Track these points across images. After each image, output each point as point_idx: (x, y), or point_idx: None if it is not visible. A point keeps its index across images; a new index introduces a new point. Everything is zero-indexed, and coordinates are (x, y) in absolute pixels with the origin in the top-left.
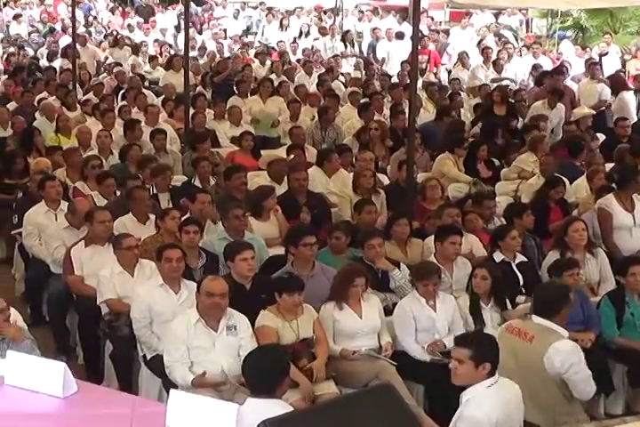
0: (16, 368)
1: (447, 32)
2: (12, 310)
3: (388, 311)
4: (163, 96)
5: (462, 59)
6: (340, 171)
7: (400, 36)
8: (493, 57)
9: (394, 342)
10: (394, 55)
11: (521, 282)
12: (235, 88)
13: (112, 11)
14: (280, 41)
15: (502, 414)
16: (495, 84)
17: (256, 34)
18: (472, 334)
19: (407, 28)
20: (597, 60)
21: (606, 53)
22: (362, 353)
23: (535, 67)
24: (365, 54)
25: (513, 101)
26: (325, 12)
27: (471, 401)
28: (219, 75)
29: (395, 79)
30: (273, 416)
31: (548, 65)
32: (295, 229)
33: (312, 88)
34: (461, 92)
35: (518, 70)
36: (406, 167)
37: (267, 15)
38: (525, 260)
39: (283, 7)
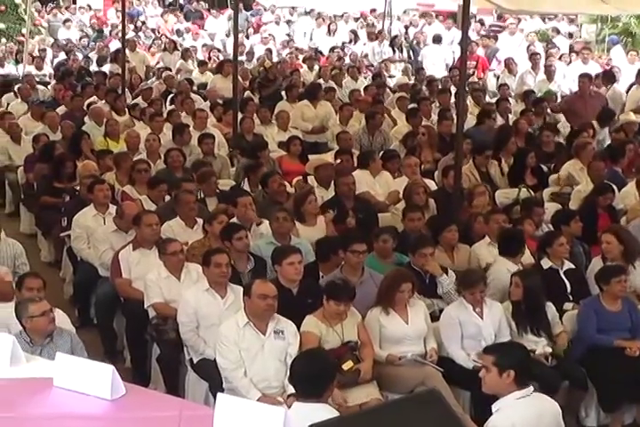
0: (65, 370)
1: (497, 38)
2: (61, 313)
3: (435, 317)
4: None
5: (509, 64)
6: (383, 172)
7: (437, 39)
8: (542, 63)
9: (439, 349)
10: (431, 59)
11: (568, 289)
12: (283, 93)
13: (161, 15)
14: (335, 47)
15: None
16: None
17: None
18: (501, 342)
19: (457, 34)
20: None
21: None
22: (408, 359)
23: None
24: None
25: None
26: (374, 17)
27: (500, 412)
28: (268, 80)
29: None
30: (319, 421)
31: (597, 71)
32: (345, 234)
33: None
34: (510, 98)
35: (567, 76)
36: (454, 173)
37: (316, 19)
38: (573, 267)
39: (331, 12)
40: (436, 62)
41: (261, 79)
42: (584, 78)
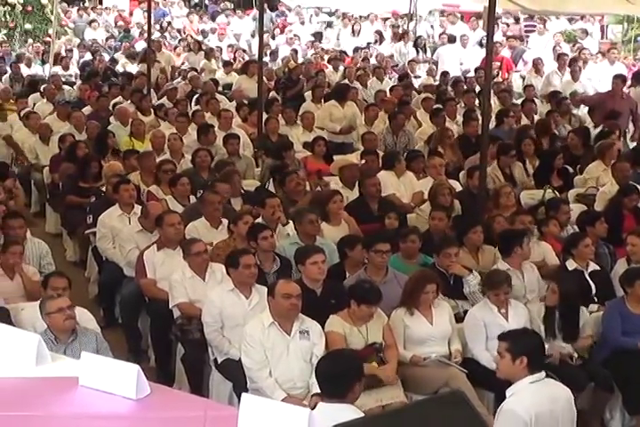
0: (90, 369)
1: (522, 38)
2: (86, 313)
3: (459, 318)
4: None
5: (537, 65)
6: (407, 173)
7: (452, 39)
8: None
9: (463, 350)
10: (444, 58)
11: (593, 291)
12: (306, 94)
13: (187, 16)
14: (359, 47)
15: (543, 411)
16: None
17: (323, 38)
18: (515, 329)
19: (482, 35)
20: None
21: None
22: (432, 360)
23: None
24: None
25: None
26: (400, 18)
27: (514, 396)
28: (292, 80)
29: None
30: (343, 422)
31: (623, 72)
32: (369, 234)
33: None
34: (535, 99)
35: (593, 77)
36: (479, 174)
37: (342, 20)
38: (598, 268)
39: (356, 13)
40: (450, 61)
41: (285, 80)
42: (617, 79)
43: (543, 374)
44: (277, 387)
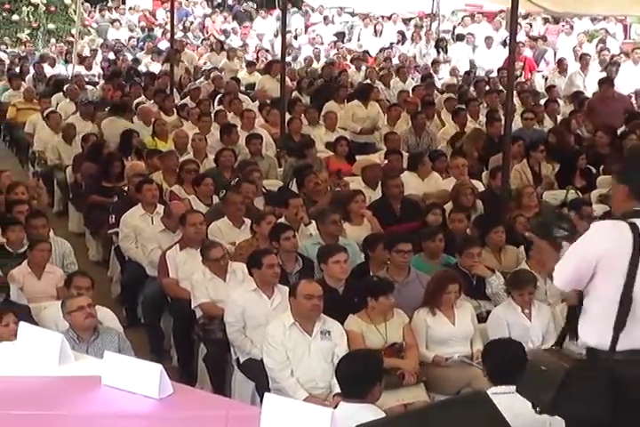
0: (113, 369)
1: (545, 38)
2: (108, 312)
3: (482, 319)
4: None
5: (562, 64)
6: (432, 174)
7: (461, 37)
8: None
9: None
10: (455, 57)
11: None
12: (330, 94)
13: (210, 16)
14: (384, 47)
15: None
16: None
17: (350, 40)
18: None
19: (506, 35)
20: None
21: None
22: (455, 360)
23: None
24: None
25: None
26: (422, 18)
27: None
28: (318, 80)
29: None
30: (365, 422)
31: None
32: (391, 234)
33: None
34: (559, 100)
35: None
36: (501, 174)
37: (363, 20)
38: None
39: (379, 13)
40: (460, 59)
41: (308, 80)
42: (604, 84)
43: (511, 388)
44: (299, 387)
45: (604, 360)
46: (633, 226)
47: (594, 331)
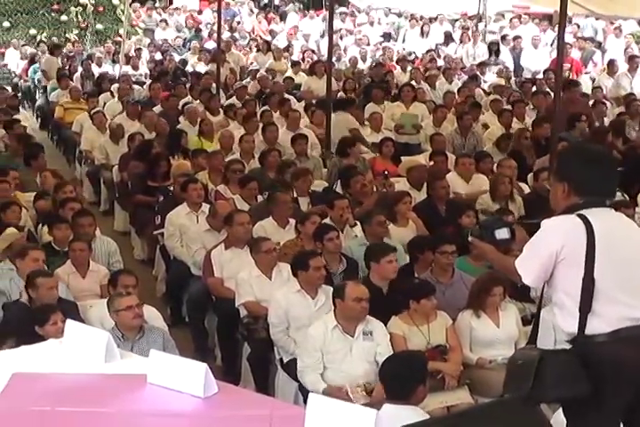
0: (158, 367)
1: (593, 40)
2: (153, 311)
3: (526, 321)
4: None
5: (612, 66)
6: (478, 175)
7: (507, 41)
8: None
9: None
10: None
11: None
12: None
13: (256, 16)
14: (429, 49)
15: None
16: None
17: (396, 40)
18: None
19: (553, 36)
20: None
21: None
22: (499, 362)
23: None
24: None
25: None
26: (466, 19)
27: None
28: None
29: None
30: (408, 424)
31: None
32: (435, 235)
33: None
34: (605, 101)
35: None
36: (546, 175)
37: (409, 21)
38: None
39: (425, 14)
40: (507, 61)
41: (354, 81)
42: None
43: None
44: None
45: (579, 344)
46: (581, 216)
47: (569, 319)
